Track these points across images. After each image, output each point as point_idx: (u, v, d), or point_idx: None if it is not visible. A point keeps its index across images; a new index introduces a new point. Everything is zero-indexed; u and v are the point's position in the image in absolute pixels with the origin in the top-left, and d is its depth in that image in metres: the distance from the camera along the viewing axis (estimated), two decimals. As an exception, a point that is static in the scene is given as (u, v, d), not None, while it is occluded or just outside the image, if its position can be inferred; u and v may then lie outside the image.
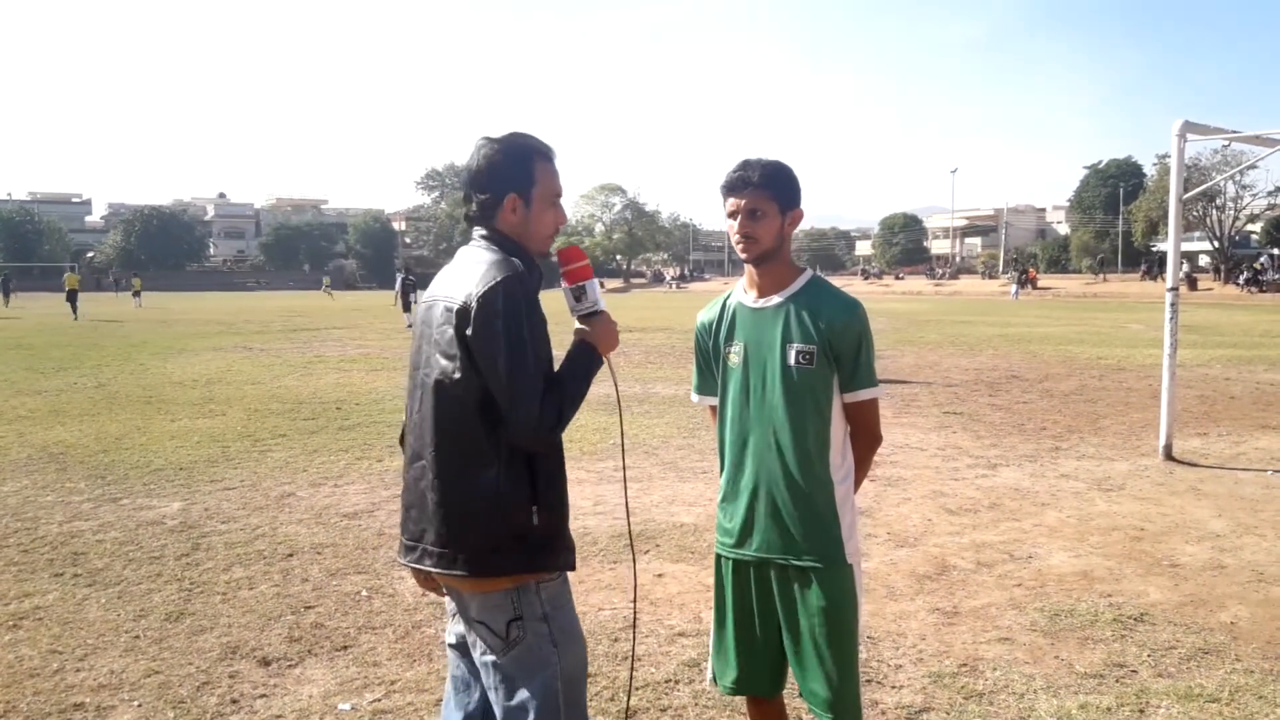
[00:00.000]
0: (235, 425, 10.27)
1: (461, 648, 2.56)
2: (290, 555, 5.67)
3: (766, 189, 2.65)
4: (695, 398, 2.97)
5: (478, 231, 2.49)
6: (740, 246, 2.68)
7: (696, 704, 3.76)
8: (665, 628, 4.53)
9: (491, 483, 2.32)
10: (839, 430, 2.70)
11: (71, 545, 5.84)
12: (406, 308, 28.28)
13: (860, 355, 2.65)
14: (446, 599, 2.58)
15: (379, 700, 3.80)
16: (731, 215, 2.69)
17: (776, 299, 2.70)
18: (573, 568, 2.48)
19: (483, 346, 2.28)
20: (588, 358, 2.45)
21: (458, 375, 2.33)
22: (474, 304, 2.29)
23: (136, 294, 49.35)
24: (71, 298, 36.12)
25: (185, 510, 6.68)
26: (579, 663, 2.47)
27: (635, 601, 3.63)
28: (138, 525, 6.29)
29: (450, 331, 2.33)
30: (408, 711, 3.71)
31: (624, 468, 2.62)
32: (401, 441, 2.59)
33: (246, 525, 6.30)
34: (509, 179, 2.44)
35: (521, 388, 2.26)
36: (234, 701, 3.79)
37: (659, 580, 5.22)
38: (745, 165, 2.68)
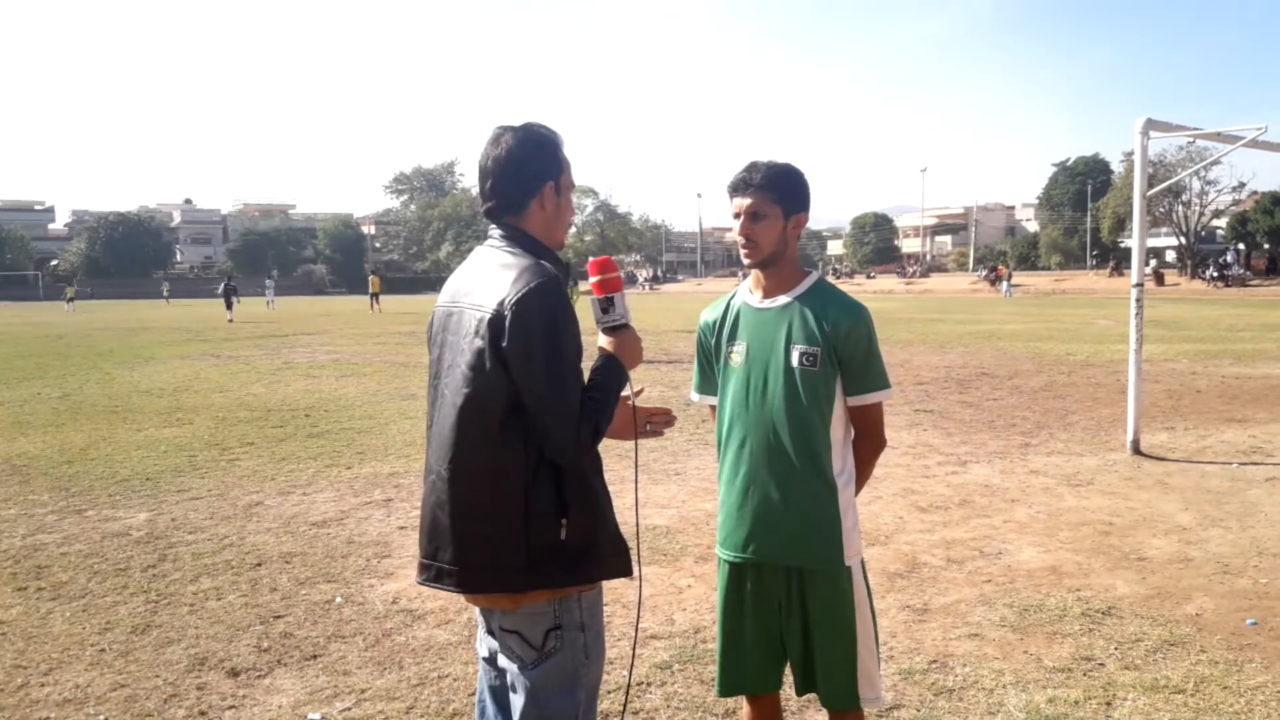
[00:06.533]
0: (202, 434, 10.16)
1: (494, 661, 2.43)
2: (259, 565, 5.62)
3: (769, 190, 2.60)
4: (695, 396, 2.93)
5: (496, 230, 2.36)
6: (743, 251, 2.65)
7: (669, 706, 3.76)
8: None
9: (517, 498, 2.20)
10: (841, 433, 2.66)
11: (35, 558, 5.76)
12: (229, 306, 36.99)
13: (866, 358, 2.62)
14: (477, 610, 2.46)
15: (349, 709, 3.77)
16: (736, 216, 2.65)
17: (782, 300, 2.67)
18: (627, 573, 2.36)
19: (520, 359, 2.16)
20: (616, 372, 2.33)
21: (486, 387, 2.19)
22: (508, 312, 2.17)
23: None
24: None
25: (152, 521, 6.60)
26: (600, 672, 2.39)
27: (639, 606, 3.58)
28: (103, 537, 6.20)
29: (480, 342, 2.20)
30: (378, 719, 3.69)
31: (635, 481, 2.57)
32: None
33: (214, 535, 6.24)
34: (547, 166, 2.35)
35: (562, 402, 2.16)
36: (202, 714, 3.74)
37: (630, 583, 5.20)
38: (751, 166, 2.64)
